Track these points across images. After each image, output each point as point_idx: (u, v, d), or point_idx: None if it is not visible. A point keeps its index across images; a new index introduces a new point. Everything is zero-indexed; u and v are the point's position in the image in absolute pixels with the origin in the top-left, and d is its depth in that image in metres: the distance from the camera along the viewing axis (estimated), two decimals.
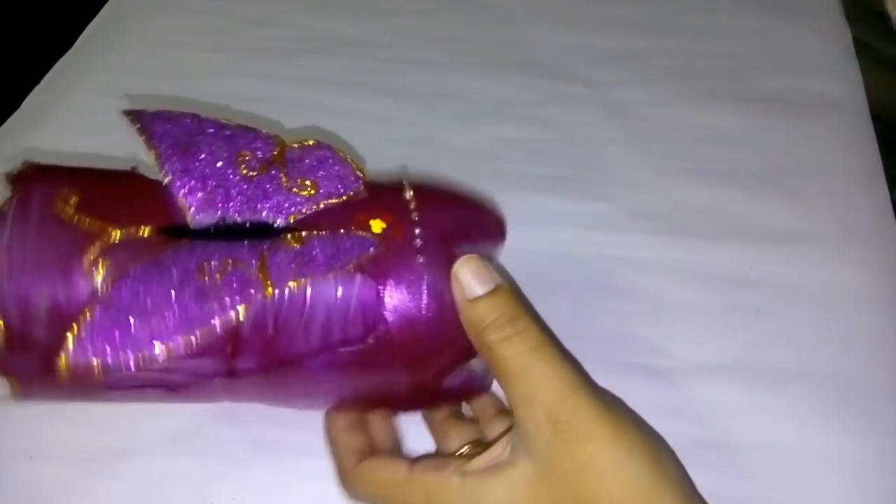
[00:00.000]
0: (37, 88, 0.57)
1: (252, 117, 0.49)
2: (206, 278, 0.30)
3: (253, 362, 0.31)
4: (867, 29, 0.68)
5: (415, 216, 0.33)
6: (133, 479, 0.37)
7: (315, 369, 0.32)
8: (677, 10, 0.61)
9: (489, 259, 0.32)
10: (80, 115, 0.54)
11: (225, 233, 0.32)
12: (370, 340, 0.31)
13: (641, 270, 0.45)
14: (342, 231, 0.32)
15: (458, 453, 0.35)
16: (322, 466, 0.36)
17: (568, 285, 0.44)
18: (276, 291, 0.30)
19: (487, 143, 0.52)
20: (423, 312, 0.31)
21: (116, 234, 0.30)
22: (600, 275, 0.45)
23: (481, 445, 0.35)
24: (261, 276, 0.30)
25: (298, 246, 0.31)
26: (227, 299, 0.29)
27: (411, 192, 0.34)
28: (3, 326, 0.29)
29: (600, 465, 0.29)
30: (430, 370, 0.33)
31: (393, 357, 0.32)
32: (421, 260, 0.32)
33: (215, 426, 0.39)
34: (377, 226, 0.32)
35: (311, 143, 0.34)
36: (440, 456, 0.35)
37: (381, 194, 0.34)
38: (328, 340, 0.31)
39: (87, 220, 0.30)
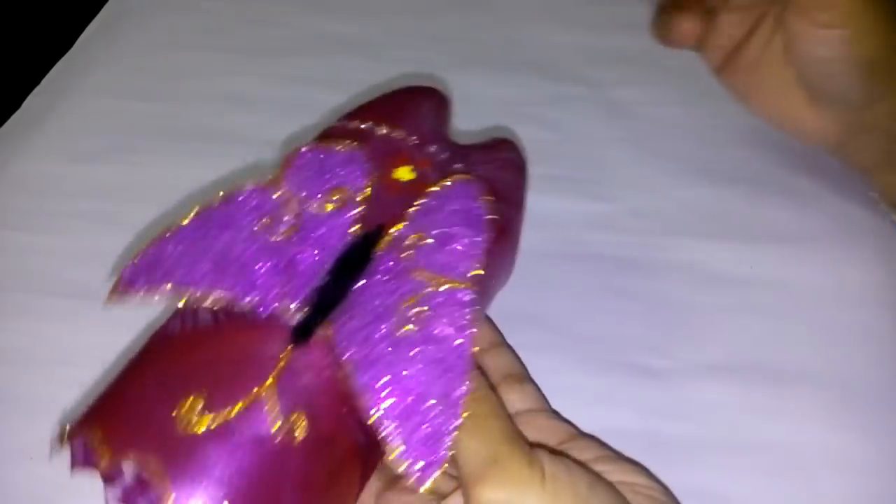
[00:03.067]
0: (37, 88, 0.57)
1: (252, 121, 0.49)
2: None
3: None
4: None
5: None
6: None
7: None
8: None
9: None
10: (80, 115, 0.54)
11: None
12: None
13: (641, 270, 0.45)
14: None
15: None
16: None
17: (568, 285, 0.44)
18: None
19: None
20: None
21: None
22: (600, 275, 0.44)
23: None
24: None
25: None
26: None
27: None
28: None
29: None
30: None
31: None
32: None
33: None
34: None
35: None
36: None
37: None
38: None
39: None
